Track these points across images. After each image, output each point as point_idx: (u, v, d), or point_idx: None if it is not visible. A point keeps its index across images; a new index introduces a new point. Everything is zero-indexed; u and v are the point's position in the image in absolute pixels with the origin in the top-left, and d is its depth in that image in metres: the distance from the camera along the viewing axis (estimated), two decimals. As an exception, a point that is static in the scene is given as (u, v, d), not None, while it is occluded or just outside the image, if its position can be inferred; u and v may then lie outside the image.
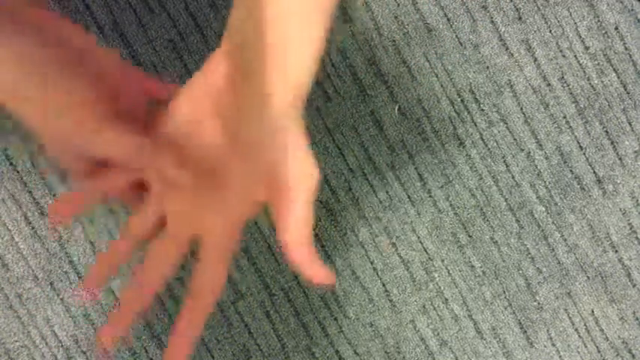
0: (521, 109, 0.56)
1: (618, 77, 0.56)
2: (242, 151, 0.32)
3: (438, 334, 0.56)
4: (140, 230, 0.35)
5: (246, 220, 0.33)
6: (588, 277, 0.58)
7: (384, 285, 0.56)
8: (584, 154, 0.57)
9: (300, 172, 0.31)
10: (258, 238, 0.54)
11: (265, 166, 0.31)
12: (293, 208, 0.31)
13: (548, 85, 0.56)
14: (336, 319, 0.55)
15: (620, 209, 0.57)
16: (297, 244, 0.31)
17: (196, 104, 0.32)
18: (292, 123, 0.31)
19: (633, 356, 0.59)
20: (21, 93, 0.31)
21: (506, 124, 0.56)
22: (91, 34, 0.34)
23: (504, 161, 0.56)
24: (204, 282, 0.33)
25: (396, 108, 0.55)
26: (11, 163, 0.52)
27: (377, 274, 0.55)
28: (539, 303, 0.57)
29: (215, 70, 0.32)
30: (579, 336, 0.58)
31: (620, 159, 0.57)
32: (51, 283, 0.52)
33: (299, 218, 0.31)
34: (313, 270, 0.31)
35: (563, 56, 0.56)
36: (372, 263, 0.55)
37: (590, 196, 0.57)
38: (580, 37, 0.56)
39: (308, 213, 0.31)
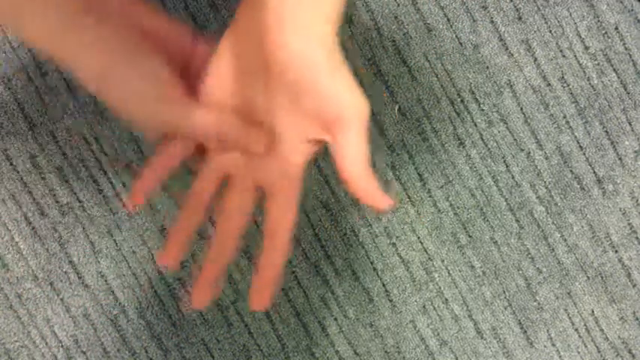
0: (521, 109, 0.56)
1: (618, 77, 0.56)
2: (288, 92, 0.32)
3: (438, 334, 0.56)
4: (206, 191, 0.36)
5: (307, 160, 0.34)
6: (588, 277, 0.58)
7: (384, 285, 0.56)
8: (584, 154, 0.57)
9: (350, 102, 0.31)
10: (258, 238, 0.54)
11: (314, 102, 0.31)
12: (348, 139, 0.31)
13: (548, 85, 0.56)
14: (336, 319, 0.55)
15: (620, 209, 0.57)
16: (357, 174, 0.31)
17: (234, 60, 0.33)
18: (334, 54, 0.31)
19: (633, 356, 0.59)
20: (108, 77, 0.31)
21: (506, 124, 0.56)
22: (160, 14, 0.35)
23: (504, 161, 0.56)
24: (276, 223, 0.34)
25: (396, 108, 0.55)
26: (11, 163, 0.52)
27: (377, 274, 0.55)
28: (539, 303, 0.57)
29: (246, 22, 0.32)
30: (579, 336, 0.58)
31: (620, 159, 0.57)
32: (51, 283, 0.52)
33: (355, 148, 0.31)
34: (375, 197, 0.32)
35: (563, 56, 0.56)
36: (372, 263, 0.55)
37: (590, 196, 0.57)
38: (580, 37, 0.56)
39: (364, 142, 0.31)
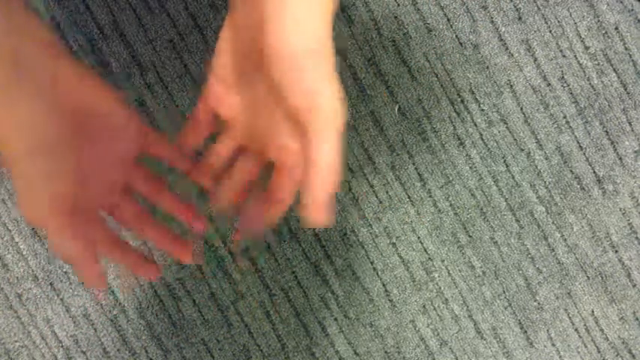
0: (521, 109, 0.56)
1: (618, 77, 0.56)
2: (275, 85, 0.32)
3: (438, 334, 0.56)
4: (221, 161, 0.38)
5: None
6: (588, 277, 0.58)
7: (384, 285, 0.56)
8: (584, 154, 0.57)
9: (321, 104, 0.31)
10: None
11: (297, 98, 0.31)
12: (319, 143, 0.31)
13: (548, 85, 0.56)
14: (336, 319, 0.55)
15: (620, 209, 0.57)
16: (323, 180, 0.31)
17: (233, 53, 0.34)
18: (325, 48, 0.30)
19: (633, 356, 0.59)
20: (20, 164, 0.31)
21: (506, 124, 0.56)
22: (107, 92, 0.34)
23: (504, 161, 0.56)
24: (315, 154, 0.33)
25: (396, 108, 0.55)
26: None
27: (377, 274, 0.55)
28: (539, 303, 0.57)
29: (242, 14, 0.32)
30: (579, 336, 0.58)
31: (620, 159, 0.57)
32: (51, 283, 0.52)
33: (319, 155, 0.31)
34: (321, 213, 0.31)
35: (563, 56, 0.56)
36: (372, 263, 0.55)
37: (590, 196, 0.57)
38: (580, 37, 0.56)
39: (334, 150, 0.31)
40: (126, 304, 0.53)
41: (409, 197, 0.55)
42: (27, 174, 0.31)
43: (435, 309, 0.56)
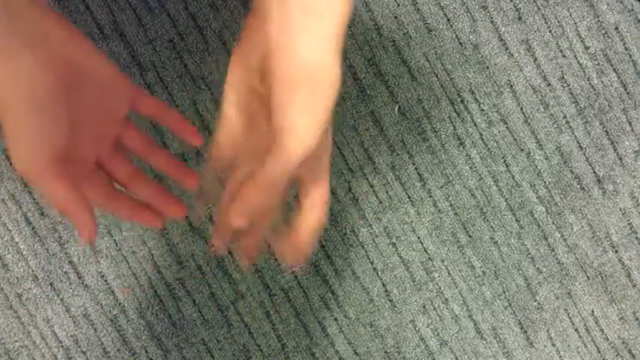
0: (521, 109, 0.56)
1: (618, 77, 0.56)
2: (302, 92, 0.32)
3: (438, 334, 0.56)
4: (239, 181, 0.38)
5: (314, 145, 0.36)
6: (588, 277, 0.58)
7: (384, 285, 0.55)
8: (584, 154, 0.57)
9: (292, 129, 0.32)
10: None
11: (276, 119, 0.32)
12: (275, 165, 0.33)
13: (548, 85, 0.56)
14: (336, 319, 0.55)
15: (620, 209, 0.57)
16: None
17: (244, 86, 0.35)
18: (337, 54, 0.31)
19: (633, 356, 0.59)
20: (7, 112, 0.31)
21: (506, 124, 0.56)
22: (100, 55, 0.35)
23: (504, 161, 0.56)
24: (312, 199, 0.36)
25: (396, 108, 0.55)
26: (11, 164, 0.52)
27: (377, 274, 0.55)
28: (539, 303, 0.57)
29: (257, 24, 0.33)
30: (579, 336, 0.58)
31: (620, 159, 0.57)
32: (51, 283, 0.52)
33: (271, 179, 0.33)
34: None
35: (563, 56, 0.56)
36: (372, 263, 0.55)
37: (590, 196, 0.57)
38: (580, 37, 0.56)
39: (280, 174, 0.33)
40: (126, 304, 0.53)
41: (409, 197, 0.55)
42: (19, 125, 0.31)
43: (435, 309, 0.56)
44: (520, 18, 0.55)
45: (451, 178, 0.55)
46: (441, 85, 0.55)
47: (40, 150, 0.32)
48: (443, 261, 0.56)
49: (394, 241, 0.55)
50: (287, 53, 0.31)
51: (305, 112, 0.31)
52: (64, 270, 0.52)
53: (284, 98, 0.31)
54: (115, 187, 0.38)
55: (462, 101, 0.55)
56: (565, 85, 0.56)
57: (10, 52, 0.30)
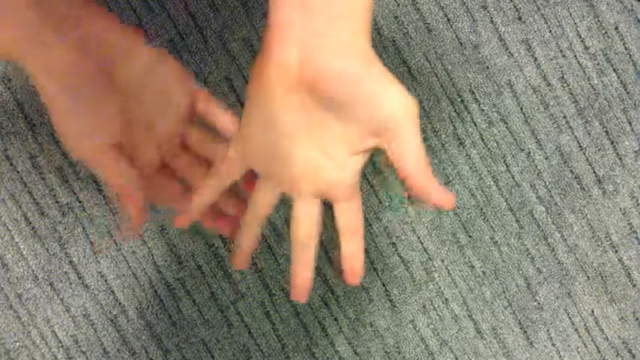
0: (521, 109, 0.56)
1: (618, 77, 0.56)
2: (334, 109, 0.32)
3: (438, 334, 0.56)
4: (263, 209, 0.37)
5: (361, 168, 0.35)
6: (588, 277, 0.58)
7: (384, 285, 0.55)
8: (584, 154, 0.57)
9: (400, 104, 0.31)
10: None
11: (365, 112, 0.31)
12: (404, 139, 0.31)
13: (548, 85, 0.56)
14: (336, 319, 0.55)
15: (620, 209, 0.57)
16: (419, 172, 0.32)
17: (271, 91, 0.33)
18: (373, 61, 0.31)
19: (633, 356, 0.59)
20: (58, 104, 0.31)
21: (506, 124, 0.56)
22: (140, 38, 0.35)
23: (504, 161, 0.56)
24: (347, 222, 0.35)
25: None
26: (11, 163, 0.52)
27: (377, 274, 0.55)
28: (539, 303, 0.57)
29: (279, 47, 0.32)
30: (579, 336, 0.58)
31: (620, 159, 0.57)
32: (51, 283, 0.52)
33: (414, 147, 0.32)
34: (437, 193, 0.32)
35: (563, 56, 0.56)
36: (372, 263, 0.55)
37: (590, 196, 0.57)
38: (580, 37, 0.56)
39: (419, 139, 0.32)
40: (126, 304, 0.53)
41: (409, 197, 0.55)
42: (60, 113, 0.32)
43: (435, 309, 0.56)
44: (520, 18, 0.55)
45: (451, 178, 0.55)
46: (441, 85, 0.55)
47: (87, 136, 0.32)
48: (443, 261, 0.56)
49: (394, 241, 0.55)
50: (320, 63, 0.30)
51: (385, 83, 0.31)
52: (64, 270, 0.52)
53: (349, 89, 0.31)
54: (185, 188, 0.38)
55: (462, 101, 0.55)
56: (565, 85, 0.56)
57: (42, 42, 0.30)
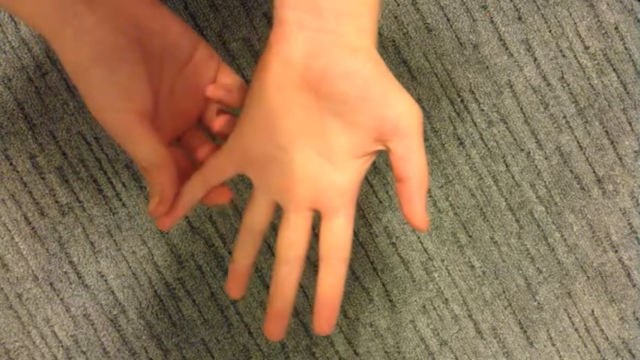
0: (521, 109, 0.56)
1: (618, 77, 0.56)
2: (341, 111, 0.31)
3: (438, 334, 0.56)
4: (258, 223, 0.35)
5: (363, 176, 0.34)
6: (588, 277, 0.58)
7: (384, 285, 0.55)
8: (584, 154, 0.57)
9: (405, 110, 0.31)
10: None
11: (370, 116, 0.31)
12: (407, 145, 0.31)
13: (548, 85, 0.56)
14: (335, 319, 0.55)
15: (620, 209, 0.57)
16: (418, 179, 0.31)
17: (274, 91, 0.32)
18: (379, 64, 0.31)
19: (633, 356, 0.59)
20: (87, 75, 0.31)
21: (506, 124, 0.56)
22: (163, 13, 0.34)
23: (504, 161, 0.56)
24: (332, 245, 0.34)
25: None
26: (11, 163, 0.52)
27: (377, 274, 0.55)
28: (539, 303, 0.57)
29: (286, 43, 0.31)
30: (579, 336, 0.58)
31: (620, 159, 0.57)
32: (51, 283, 0.52)
33: (416, 154, 0.31)
34: (414, 210, 0.31)
35: (563, 56, 0.56)
36: (372, 263, 0.55)
37: (590, 196, 0.57)
38: (580, 37, 0.56)
39: (422, 146, 0.31)
40: (126, 304, 0.53)
41: (409, 197, 0.55)
42: (91, 86, 0.31)
43: (435, 309, 0.56)
44: (520, 18, 0.55)
45: (451, 178, 0.55)
46: (441, 85, 0.55)
47: (120, 107, 0.32)
48: (443, 261, 0.56)
49: (394, 241, 0.55)
50: (327, 62, 0.30)
51: (391, 88, 0.31)
52: (64, 270, 0.52)
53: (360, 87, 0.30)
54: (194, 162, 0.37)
55: (462, 101, 0.55)
56: (565, 85, 0.56)
57: (75, 12, 0.30)
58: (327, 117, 0.32)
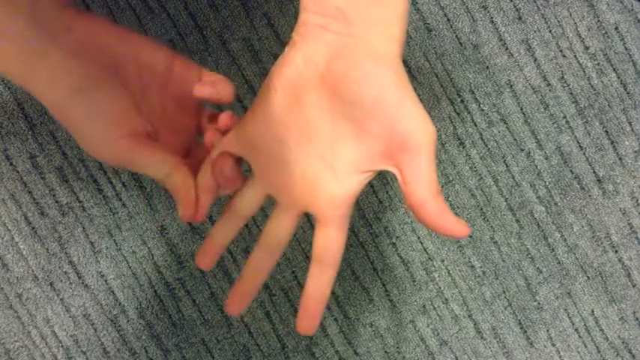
0: (521, 109, 0.56)
1: (618, 77, 0.56)
2: (354, 117, 0.30)
3: (438, 334, 0.56)
4: (247, 209, 0.35)
5: (361, 189, 0.33)
6: (588, 277, 0.58)
7: (384, 285, 0.55)
8: (584, 154, 0.57)
9: (418, 126, 0.29)
10: (258, 238, 0.54)
11: (382, 127, 0.30)
12: (417, 165, 0.29)
13: (548, 85, 0.56)
14: (336, 319, 0.55)
15: (620, 209, 0.57)
16: (427, 202, 0.30)
17: (291, 86, 0.32)
18: (401, 75, 0.30)
19: (633, 356, 0.59)
20: (67, 108, 0.31)
21: (506, 124, 0.56)
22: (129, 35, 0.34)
23: (504, 161, 0.56)
24: (324, 249, 0.33)
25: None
26: (11, 163, 0.52)
27: (377, 274, 0.55)
28: (539, 303, 0.57)
29: (311, 41, 0.31)
30: (579, 336, 0.58)
31: (620, 159, 0.57)
32: (51, 283, 0.52)
33: (425, 175, 0.30)
34: (449, 225, 0.30)
35: (563, 56, 0.56)
36: (372, 263, 0.55)
37: (590, 196, 0.57)
38: (580, 37, 0.56)
39: (433, 168, 0.30)
40: (126, 304, 0.53)
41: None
42: (78, 116, 0.31)
43: (435, 309, 0.56)
44: (520, 18, 0.55)
45: (451, 178, 0.55)
46: (441, 85, 0.55)
47: (109, 135, 0.32)
48: (443, 261, 0.56)
49: (394, 241, 0.55)
50: (349, 64, 0.29)
51: (408, 102, 0.29)
52: (64, 270, 0.52)
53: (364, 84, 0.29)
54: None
55: (462, 101, 0.55)
56: (565, 85, 0.56)
57: (42, 52, 0.30)
58: (339, 122, 0.31)
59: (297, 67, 0.31)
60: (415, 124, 0.29)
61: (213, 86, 0.35)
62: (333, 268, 0.34)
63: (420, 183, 0.30)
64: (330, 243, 0.33)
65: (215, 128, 0.36)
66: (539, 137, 0.56)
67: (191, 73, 0.35)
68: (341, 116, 0.31)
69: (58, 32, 0.31)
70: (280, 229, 0.35)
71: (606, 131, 0.57)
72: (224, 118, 0.35)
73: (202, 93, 0.35)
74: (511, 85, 0.55)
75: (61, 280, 0.52)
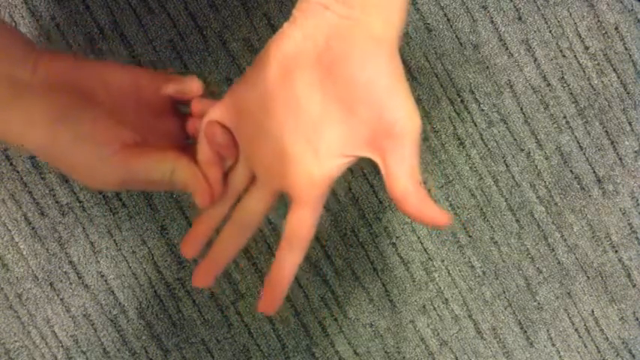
0: (521, 109, 0.56)
1: (618, 77, 0.56)
2: (344, 99, 0.31)
3: (438, 334, 0.56)
4: (236, 186, 0.35)
5: (339, 174, 0.33)
6: (588, 277, 0.58)
7: (384, 285, 0.55)
8: (584, 154, 0.57)
9: (405, 116, 0.30)
10: (258, 238, 0.54)
11: (369, 112, 0.30)
12: (400, 154, 0.30)
13: (548, 85, 0.56)
14: (336, 319, 0.55)
15: (620, 209, 0.57)
16: (409, 192, 0.30)
17: (287, 61, 0.32)
18: (396, 60, 0.30)
19: (633, 356, 0.59)
20: (53, 148, 0.31)
21: (506, 124, 0.56)
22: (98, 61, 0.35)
23: (504, 161, 0.56)
24: (297, 229, 0.33)
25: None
26: (11, 163, 0.52)
27: (377, 274, 0.55)
28: (539, 303, 0.57)
29: (312, 18, 0.31)
30: (579, 336, 0.58)
31: (620, 159, 0.57)
32: (51, 283, 0.52)
33: (407, 165, 0.30)
34: (431, 214, 0.30)
35: (563, 56, 0.56)
36: (372, 263, 0.55)
37: (590, 196, 0.57)
38: (580, 37, 0.56)
39: (416, 158, 0.30)
40: (126, 304, 0.53)
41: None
42: (64, 147, 0.31)
43: (435, 309, 0.56)
44: (520, 18, 0.55)
45: (451, 178, 0.55)
46: (441, 85, 0.55)
47: (100, 157, 0.32)
48: (443, 261, 0.56)
49: (394, 241, 0.55)
50: (348, 45, 0.30)
51: (398, 89, 0.30)
52: (64, 270, 0.52)
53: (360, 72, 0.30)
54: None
55: (462, 101, 0.55)
56: (565, 85, 0.56)
57: (13, 95, 0.30)
58: (329, 102, 0.31)
59: (295, 42, 0.31)
60: (402, 113, 0.30)
61: (177, 83, 0.36)
62: (301, 250, 0.34)
63: (403, 171, 0.30)
64: (302, 224, 0.33)
65: (193, 118, 0.36)
66: (539, 137, 0.56)
67: (159, 82, 0.36)
68: (331, 97, 0.31)
69: (24, 76, 0.31)
70: (253, 206, 0.35)
71: (606, 131, 0.57)
72: (195, 104, 0.36)
73: (168, 90, 0.36)
74: (511, 85, 0.55)
75: (61, 280, 0.52)
